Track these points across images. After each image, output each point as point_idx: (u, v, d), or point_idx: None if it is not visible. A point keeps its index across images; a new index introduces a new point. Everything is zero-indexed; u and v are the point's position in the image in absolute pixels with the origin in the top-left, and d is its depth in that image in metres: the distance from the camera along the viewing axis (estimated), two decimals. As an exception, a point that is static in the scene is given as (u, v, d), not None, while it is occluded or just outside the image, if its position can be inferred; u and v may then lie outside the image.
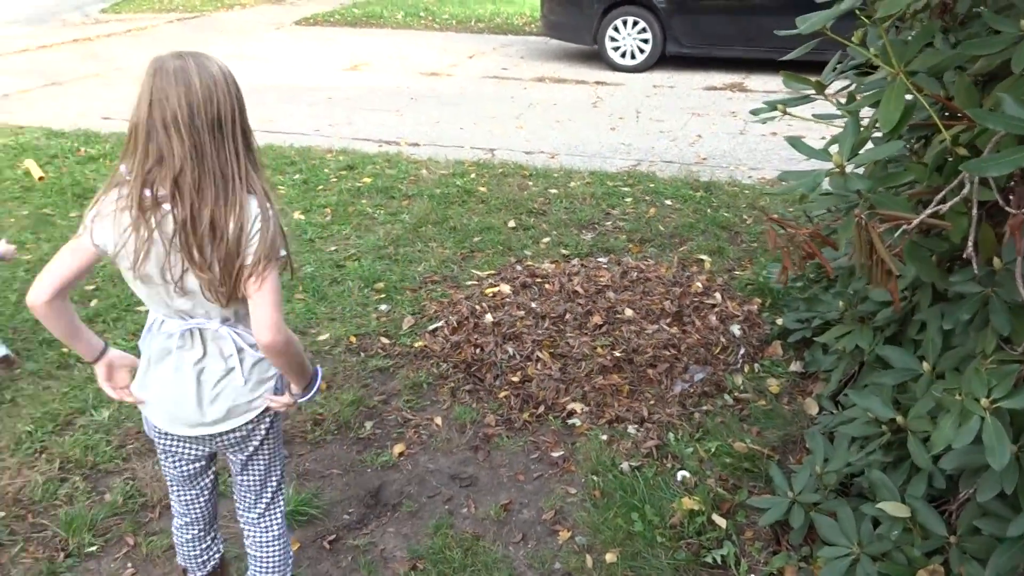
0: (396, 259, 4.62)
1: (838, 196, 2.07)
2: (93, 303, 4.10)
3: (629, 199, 5.49)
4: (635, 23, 9.36)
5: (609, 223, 5.11)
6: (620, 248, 4.72)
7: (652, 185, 5.73)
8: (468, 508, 2.83)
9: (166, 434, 1.98)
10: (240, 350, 1.87)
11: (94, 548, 2.64)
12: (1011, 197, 1.80)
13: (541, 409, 3.31)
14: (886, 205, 1.82)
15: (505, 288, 4.11)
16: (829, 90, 2.43)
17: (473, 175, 5.96)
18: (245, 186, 1.69)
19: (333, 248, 4.77)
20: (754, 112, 2.29)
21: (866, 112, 2.12)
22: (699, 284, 4.11)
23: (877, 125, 1.90)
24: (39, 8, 14.08)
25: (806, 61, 2.81)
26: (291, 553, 2.23)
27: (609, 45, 9.55)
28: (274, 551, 2.16)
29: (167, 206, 1.66)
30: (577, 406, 3.31)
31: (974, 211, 1.77)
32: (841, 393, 3.01)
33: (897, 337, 2.65)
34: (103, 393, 3.39)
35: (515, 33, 12.33)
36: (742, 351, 3.62)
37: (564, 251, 4.68)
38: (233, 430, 1.95)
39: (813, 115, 2.50)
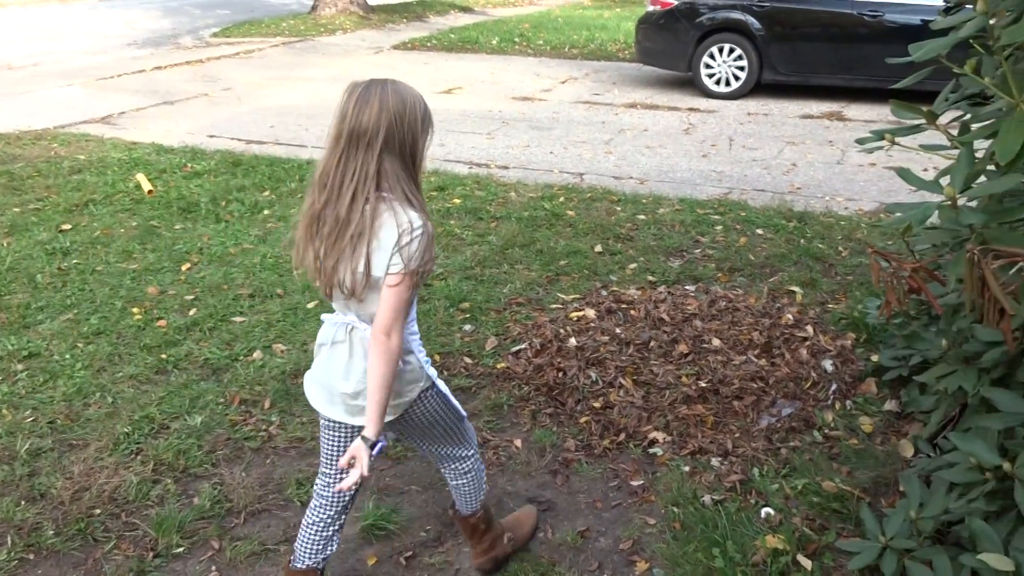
0: (482, 280, 4.66)
1: (945, 230, 1.98)
2: (191, 312, 4.25)
3: (719, 227, 5.40)
4: (731, 50, 9.27)
5: (698, 251, 5.03)
6: (709, 276, 4.64)
7: (743, 214, 5.63)
8: (545, 533, 2.80)
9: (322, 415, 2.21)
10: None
11: (181, 549, 2.71)
12: None
13: (622, 436, 3.26)
14: (1001, 240, 1.74)
15: (590, 313, 4.08)
16: (939, 121, 2.34)
17: (561, 199, 5.96)
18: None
19: (421, 267, 4.82)
20: (859, 141, 2.22)
21: (978, 144, 2.03)
22: (790, 316, 3.99)
23: (993, 157, 1.81)
24: (156, 32, 14.88)
25: (910, 91, 2.72)
26: (483, 481, 2.52)
27: (704, 72, 9.47)
28: (465, 481, 2.49)
29: None
30: (659, 435, 3.24)
31: (1097, 249, 1.66)
32: (940, 436, 2.86)
33: (1005, 380, 2.51)
34: (198, 400, 3.51)
35: (608, 59, 12.35)
36: (834, 387, 3.49)
37: (651, 278, 4.63)
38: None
39: (920, 146, 2.41)
